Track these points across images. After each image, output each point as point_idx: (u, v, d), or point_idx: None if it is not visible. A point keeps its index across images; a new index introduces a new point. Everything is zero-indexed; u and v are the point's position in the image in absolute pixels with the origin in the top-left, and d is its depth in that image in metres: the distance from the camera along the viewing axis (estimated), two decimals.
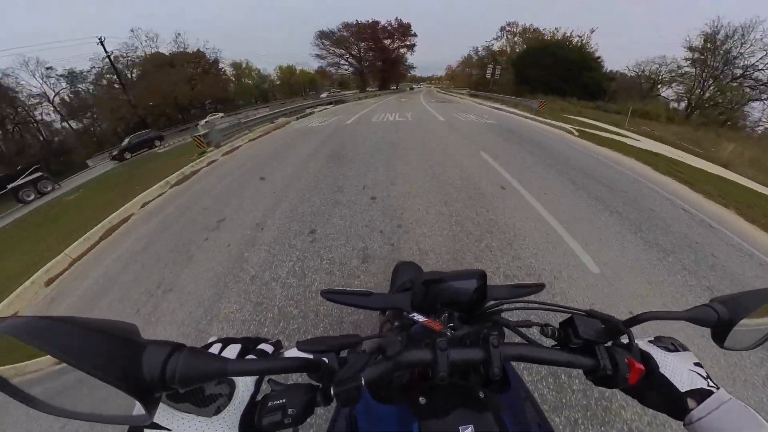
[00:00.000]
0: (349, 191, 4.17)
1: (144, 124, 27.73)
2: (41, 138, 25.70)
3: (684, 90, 25.67)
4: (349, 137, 8.23)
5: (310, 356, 0.36)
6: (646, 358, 0.42)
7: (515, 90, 26.74)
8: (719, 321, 0.40)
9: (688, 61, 24.70)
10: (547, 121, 10.47)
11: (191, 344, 0.31)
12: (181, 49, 33.18)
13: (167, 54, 32.76)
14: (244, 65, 44.84)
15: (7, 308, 3.14)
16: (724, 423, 0.35)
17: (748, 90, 22.20)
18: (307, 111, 16.34)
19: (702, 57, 23.43)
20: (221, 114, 26.10)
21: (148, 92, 27.78)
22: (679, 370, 0.41)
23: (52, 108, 27.71)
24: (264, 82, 49.34)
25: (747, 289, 0.42)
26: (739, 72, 22.24)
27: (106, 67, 28.26)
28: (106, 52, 26.71)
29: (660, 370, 0.41)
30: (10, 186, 12.21)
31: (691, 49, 24.00)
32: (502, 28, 38.52)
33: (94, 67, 28.48)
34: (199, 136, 8.91)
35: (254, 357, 0.40)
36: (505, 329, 0.49)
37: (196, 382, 0.28)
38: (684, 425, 0.38)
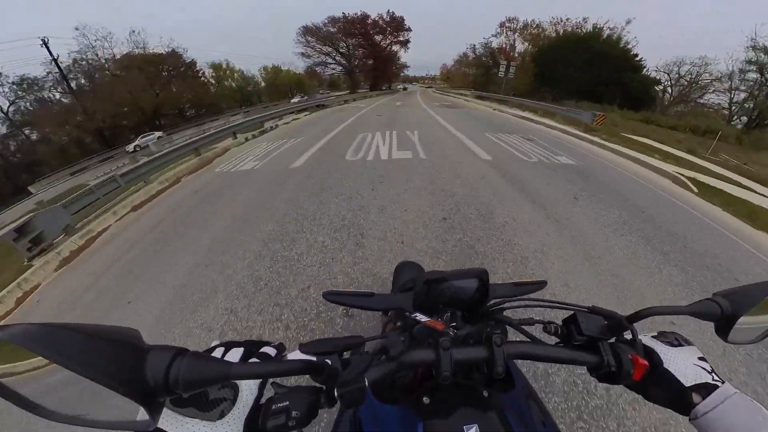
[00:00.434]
0: None
1: (103, 138, 26.96)
2: None
3: (744, 99, 22.03)
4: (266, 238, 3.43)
5: (313, 358, 0.39)
6: (650, 354, 0.45)
7: (533, 92, 24.78)
8: (722, 315, 0.43)
9: (752, 65, 20.69)
10: (624, 151, 7.23)
11: (194, 349, 0.33)
12: (140, 49, 31.75)
13: (138, 55, 31.99)
14: (224, 66, 45.04)
15: None
16: (729, 417, 0.37)
17: None
18: (267, 126, 12.44)
19: None
20: (158, 134, 23.93)
21: (103, 100, 26.19)
22: (684, 365, 0.43)
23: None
24: (248, 84, 49.52)
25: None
26: None
27: (67, 71, 27.02)
28: (51, 54, 25.31)
29: (664, 365, 0.43)
30: None
31: (756, 48, 20.23)
32: (502, 24, 38.63)
33: (50, 72, 26.91)
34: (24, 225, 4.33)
35: (257, 360, 0.42)
36: (507, 327, 0.52)
37: (199, 386, 0.31)
38: (689, 420, 0.40)
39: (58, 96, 28.13)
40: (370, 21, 45.51)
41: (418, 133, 8.33)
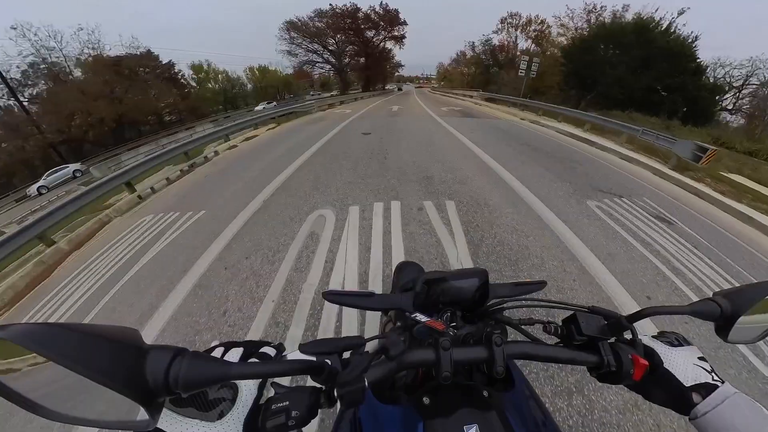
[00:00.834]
0: None
1: (57, 154, 24.88)
2: None
3: None
4: None
5: (313, 358, 0.41)
6: (650, 354, 0.48)
7: (558, 95, 22.56)
8: (722, 314, 0.46)
9: None
10: None
11: (194, 348, 0.35)
12: (91, 50, 30.04)
13: (111, 57, 31.21)
14: (205, 67, 44.93)
15: None
16: (729, 417, 0.40)
17: None
18: (207, 152, 8.73)
19: None
20: (75, 166, 19.92)
21: (49, 112, 24.72)
22: (684, 365, 0.46)
23: None
24: (234, 86, 49.54)
25: None
26: None
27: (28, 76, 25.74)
28: None
29: (664, 365, 0.47)
30: None
31: None
32: (503, 20, 38.67)
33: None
34: None
35: (257, 360, 0.45)
36: (507, 327, 0.56)
37: (199, 386, 0.33)
38: (689, 420, 0.43)
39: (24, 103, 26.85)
40: (361, 14, 43.94)
41: (455, 207, 4.09)
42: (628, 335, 0.48)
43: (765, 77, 22.83)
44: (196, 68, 44.46)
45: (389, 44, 49.76)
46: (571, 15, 29.21)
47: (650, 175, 6.41)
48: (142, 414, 0.29)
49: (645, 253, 3.30)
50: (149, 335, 2.42)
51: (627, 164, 7.02)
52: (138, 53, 33.44)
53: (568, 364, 0.48)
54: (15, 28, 26.80)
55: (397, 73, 75.75)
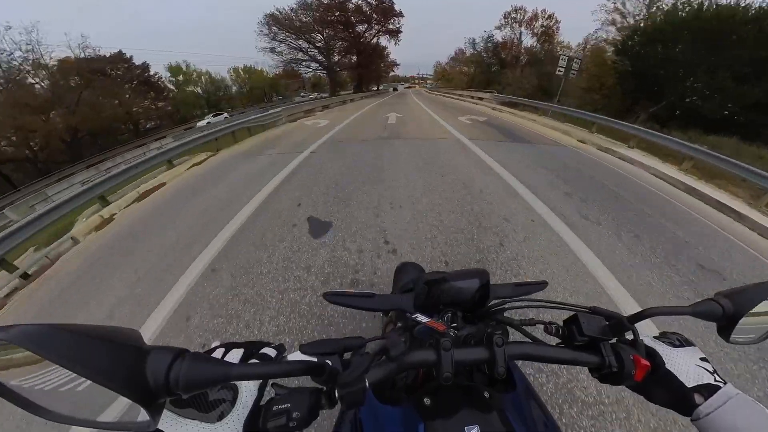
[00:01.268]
0: None
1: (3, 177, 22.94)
2: None
3: None
4: None
5: (314, 359, 0.45)
6: (652, 355, 0.51)
7: (599, 100, 20.02)
8: (724, 315, 0.49)
9: None
10: None
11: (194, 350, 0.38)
12: (29, 53, 27.37)
13: (75, 59, 30.31)
14: (184, 68, 44.89)
15: None
16: (731, 418, 0.42)
17: None
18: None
19: None
20: None
21: None
22: (686, 366, 0.49)
23: None
24: (219, 88, 49.62)
25: None
26: None
27: None
28: None
29: (666, 366, 0.50)
30: None
31: None
32: (507, 15, 38.65)
33: None
34: None
35: (257, 361, 0.48)
36: (508, 328, 0.60)
37: (199, 387, 0.36)
38: (691, 421, 0.46)
39: None
40: (351, 5, 42.17)
41: None
42: (629, 336, 0.51)
43: None
44: (174, 70, 44.29)
45: (383, 40, 48.74)
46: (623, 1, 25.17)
47: None
48: (143, 415, 0.31)
49: None
50: None
51: None
52: (100, 55, 32.50)
53: (569, 364, 0.51)
54: None
55: (392, 73, 76.16)
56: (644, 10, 23.21)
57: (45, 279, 3.92)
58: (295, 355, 0.48)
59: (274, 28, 39.53)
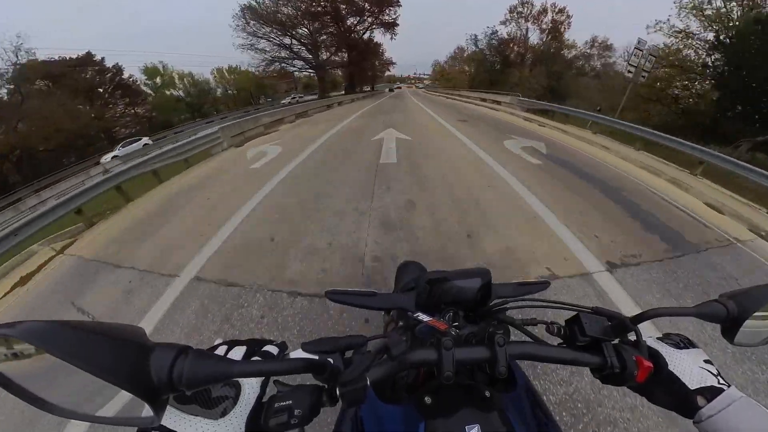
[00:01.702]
0: None
1: None
2: None
3: None
4: None
5: (315, 357, 0.49)
6: (655, 356, 0.54)
7: (687, 122, 16.55)
8: (728, 317, 0.53)
9: None
10: None
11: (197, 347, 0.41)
12: None
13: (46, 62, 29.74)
14: (162, 70, 45.02)
15: None
16: (735, 421, 0.45)
17: None
18: None
19: None
20: None
21: None
22: (689, 368, 0.52)
23: None
24: (205, 91, 49.91)
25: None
26: None
27: None
28: None
29: (669, 367, 0.53)
30: None
31: None
32: (512, 9, 39.09)
33: None
34: None
35: (259, 359, 0.53)
36: (510, 328, 0.64)
37: (202, 383, 0.40)
38: (694, 423, 0.49)
39: None
40: None
41: None
42: (632, 337, 0.55)
43: None
44: (150, 71, 44.31)
45: (377, 34, 46.81)
46: None
47: None
48: (147, 411, 0.35)
49: None
50: None
51: None
52: (54, 59, 31.55)
53: (571, 365, 0.55)
54: None
55: (388, 72, 76.48)
56: None
57: None
58: (297, 353, 0.52)
59: (253, 21, 36.96)
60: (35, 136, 26.92)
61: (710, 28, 16.97)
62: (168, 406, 0.41)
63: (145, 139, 26.99)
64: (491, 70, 41.24)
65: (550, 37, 39.06)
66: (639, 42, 12.79)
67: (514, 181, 5.65)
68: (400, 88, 70.68)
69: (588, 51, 42.37)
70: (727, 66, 14.64)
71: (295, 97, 51.26)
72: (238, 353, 0.53)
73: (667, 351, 0.55)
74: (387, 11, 41.68)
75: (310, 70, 45.78)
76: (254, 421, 0.47)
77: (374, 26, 43.83)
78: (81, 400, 0.36)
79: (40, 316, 1.66)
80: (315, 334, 2.84)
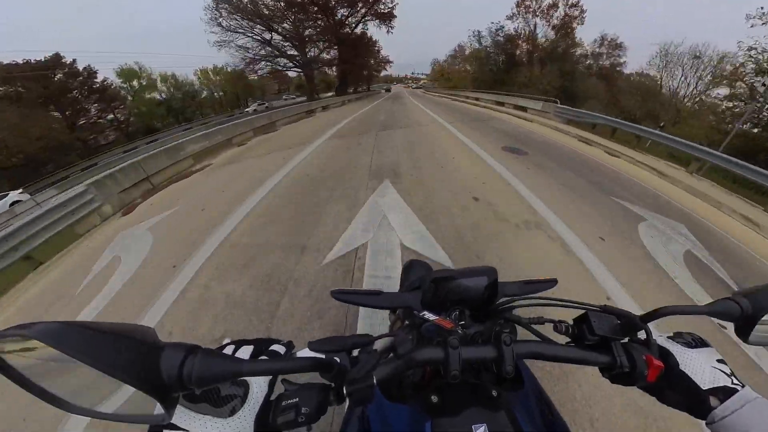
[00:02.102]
0: None
1: None
2: None
3: None
4: None
5: (322, 356, 0.53)
6: (665, 355, 0.57)
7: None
8: (742, 315, 0.56)
9: None
10: None
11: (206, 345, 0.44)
12: None
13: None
14: (140, 72, 44.70)
15: None
16: (749, 422, 0.46)
17: None
18: None
19: None
20: None
21: None
22: (701, 367, 0.54)
23: None
24: (189, 93, 49.94)
25: None
26: None
27: None
28: None
29: (680, 367, 0.55)
30: None
31: None
32: (520, 3, 38.77)
33: None
34: None
35: (267, 358, 0.57)
36: (517, 326, 0.69)
37: (211, 382, 0.44)
38: (706, 424, 0.51)
39: None
40: None
41: None
42: (641, 335, 0.58)
43: None
44: (126, 73, 44.01)
45: (372, 30, 45.72)
46: None
47: None
48: (158, 408, 0.40)
49: None
50: None
51: None
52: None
53: (579, 364, 0.58)
54: None
55: (384, 72, 76.33)
56: None
57: None
58: (304, 352, 0.57)
59: (227, 14, 34.28)
60: None
61: None
62: (178, 405, 0.45)
63: (14, 194, 19.11)
64: (496, 69, 41.18)
65: (560, 33, 38.88)
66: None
67: None
68: (390, 90, 71.34)
69: (597, 49, 42.61)
70: None
71: (287, 98, 51.16)
72: (245, 352, 0.57)
73: (678, 350, 0.58)
74: (383, 0, 39.60)
75: (295, 69, 43.38)
76: (262, 420, 0.51)
77: (368, 18, 41.14)
78: (95, 398, 0.40)
79: None
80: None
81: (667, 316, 0.57)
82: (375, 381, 0.50)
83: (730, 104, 20.41)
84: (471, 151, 8.67)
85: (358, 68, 46.16)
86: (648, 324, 0.57)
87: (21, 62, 32.04)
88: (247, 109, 44.23)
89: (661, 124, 11.66)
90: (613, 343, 0.58)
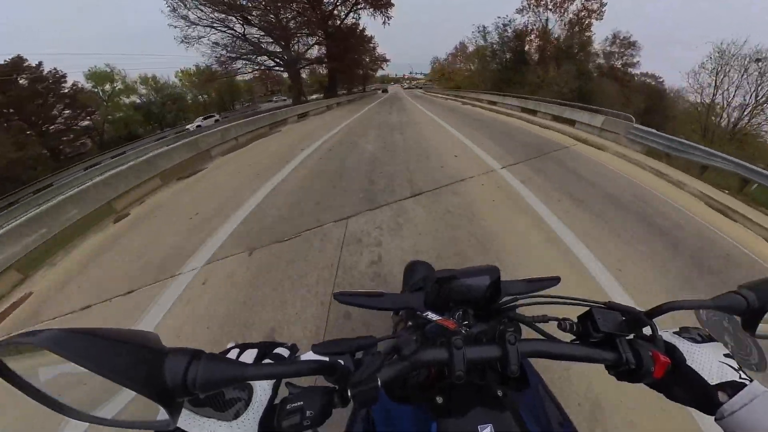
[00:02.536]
0: None
1: None
2: None
3: None
4: None
5: (326, 359, 0.57)
6: (672, 351, 0.60)
7: None
8: (749, 308, 0.59)
9: None
10: None
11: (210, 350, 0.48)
12: None
13: None
14: (114, 75, 43.90)
15: None
16: (758, 417, 0.49)
17: None
18: None
19: None
20: None
21: None
22: (708, 363, 0.57)
23: None
24: (171, 96, 49.57)
25: None
26: None
27: None
28: None
29: (687, 362, 0.58)
30: None
31: None
32: None
33: None
34: None
35: (271, 361, 0.61)
36: (521, 325, 0.73)
37: (216, 387, 0.47)
38: (715, 420, 0.53)
39: None
40: None
41: None
42: (647, 331, 0.61)
43: None
44: (97, 76, 43.49)
45: (365, 17, 42.44)
46: None
47: None
48: (163, 414, 0.42)
49: None
50: None
51: None
52: None
53: (584, 361, 0.62)
54: None
55: (381, 71, 75.64)
56: None
57: None
58: (308, 355, 0.61)
59: (196, 3, 30.90)
60: None
61: None
62: (183, 409, 0.48)
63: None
64: (504, 67, 40.58)
65: (576, 29, 38.54)
66: None
67: None
68: (387, 90, 70.98)
69: (608, 48, 42.11)
70: None
71: (277, 101, 50.98)
72: (249, 356, 0.62)
73: (684, 345, 0.61)
74: None
75: (277, 69, 40.60)
76: (267, 423, 0.55)
77: (360, 5, 37.86)
78: (99, 404, 0.43)
79: None
80: None
81: (672, 311, 0.61)
82: (379, 383, 0.54)
83: None
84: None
85: (350, 66, 43.91)
86: (653, 320, 0.60)
87: None
88: (188, 126, 39.92)
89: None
90: (619, 339, 0.61)
